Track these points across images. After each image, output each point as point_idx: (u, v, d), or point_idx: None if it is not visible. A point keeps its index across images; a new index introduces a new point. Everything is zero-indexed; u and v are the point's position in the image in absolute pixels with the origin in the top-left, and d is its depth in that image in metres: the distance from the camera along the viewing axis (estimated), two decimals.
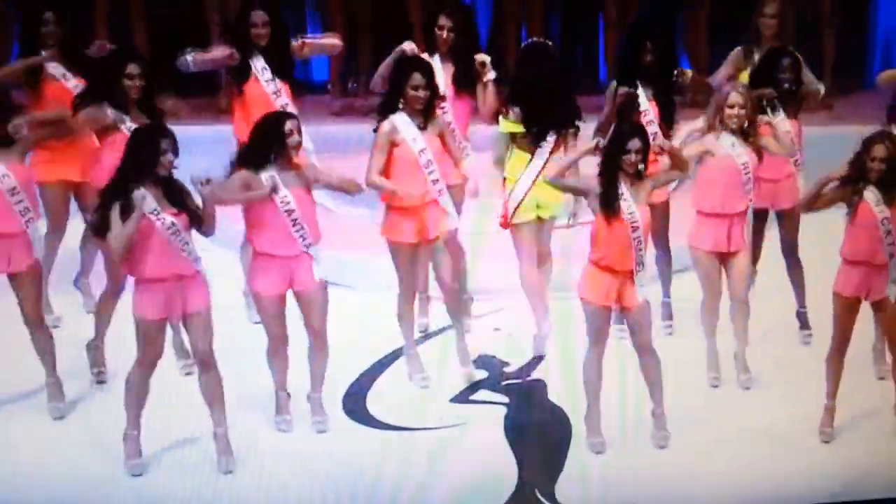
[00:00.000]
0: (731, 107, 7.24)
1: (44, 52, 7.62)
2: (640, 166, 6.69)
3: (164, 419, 6.87)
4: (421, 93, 7.08)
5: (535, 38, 8.59)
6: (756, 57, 7.96)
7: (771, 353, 7.82)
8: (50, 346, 7.15)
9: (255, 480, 6.70)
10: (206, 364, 6.70)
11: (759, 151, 7.35)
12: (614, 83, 7.79)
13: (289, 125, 6.74)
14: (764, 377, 7.61)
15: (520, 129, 7.49)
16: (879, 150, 6.69)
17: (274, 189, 6.69)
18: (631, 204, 6.74)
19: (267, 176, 6.70)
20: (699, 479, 6.75)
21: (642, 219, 6.78)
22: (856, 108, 9.38)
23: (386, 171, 7.20)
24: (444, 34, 7.67)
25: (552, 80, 7.54)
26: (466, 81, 7.66)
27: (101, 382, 7.33)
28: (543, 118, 7.41)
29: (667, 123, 7.65)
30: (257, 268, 6.95)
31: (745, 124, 7.27)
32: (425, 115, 7.16)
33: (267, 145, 6.71)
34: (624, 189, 6.72)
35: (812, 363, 7.22)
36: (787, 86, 7.66)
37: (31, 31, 7.73)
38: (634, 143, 6.64)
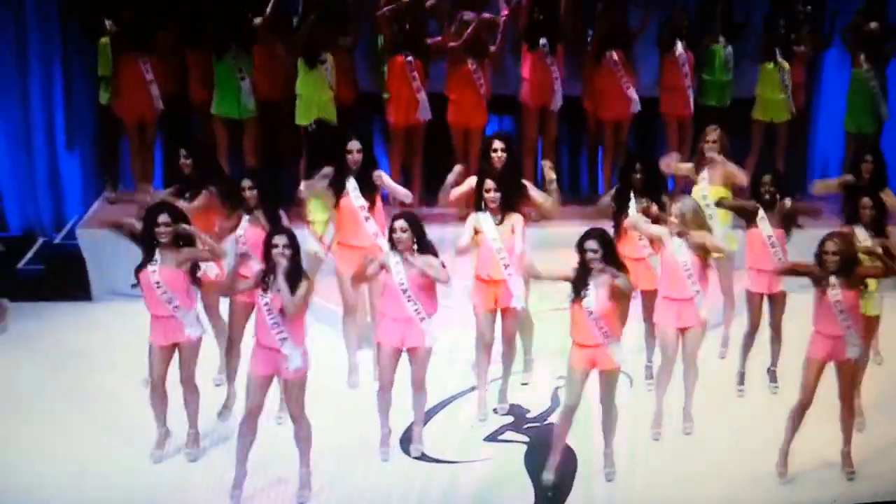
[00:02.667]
0: (676, 216, 7.61)
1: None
2: (599, 264, 7.01)
3: (256, 457, 7.22)
4: (493, 194, 7.81)
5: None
6: (704, 171, 8.63)
7: (746, 402, 8.36)
8: (196, 403, 7.59)
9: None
10: (296, 420, 7.11)
11: (703, 251, 7.61)
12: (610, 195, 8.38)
13: (395, 224, 7.33)
14: (743, 424, 8.06)
15: None
16: (830, 246, 7.11)
17: (384, 267, 7.34)
18: (591, 293, 7.06)
19: (388, 258, 7.36)
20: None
21: (599, 304, 7.05)
22: None
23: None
24: (498, 154, 8.24)
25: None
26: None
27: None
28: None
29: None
30: (380, 324, 7.55)
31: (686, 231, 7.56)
32: (501, 212, 7.85)
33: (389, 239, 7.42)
34: (590, 280, 7.08)
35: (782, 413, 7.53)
36: (767, 197, 8.13)
37: (173, 161, 8.45)
38: (590, 244, 7.05)
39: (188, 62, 10.58)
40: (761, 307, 8.36)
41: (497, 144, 8.25)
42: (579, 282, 7.12)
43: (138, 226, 7.46)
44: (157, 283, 7.27)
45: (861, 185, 8.41)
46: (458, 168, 8.48)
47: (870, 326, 7.94)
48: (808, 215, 8.40)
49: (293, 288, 6.88)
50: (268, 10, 10.14)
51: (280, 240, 6.91)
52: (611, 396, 7.33)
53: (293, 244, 6.95)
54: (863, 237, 7.79)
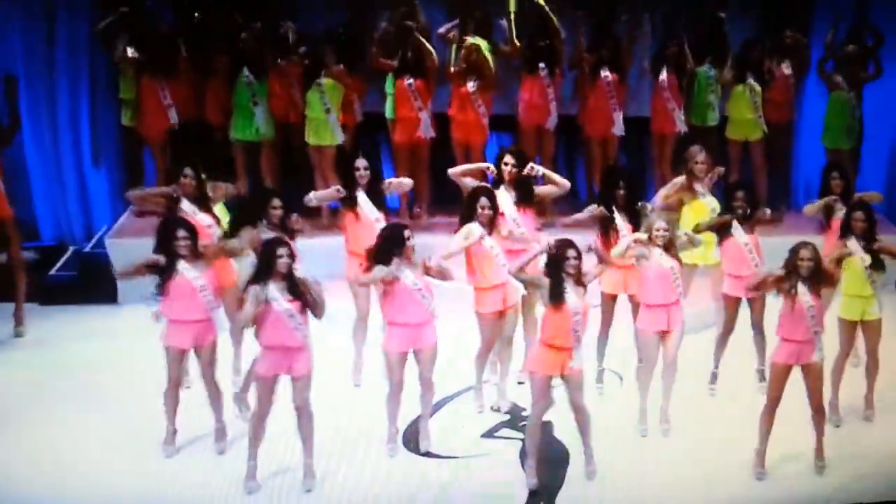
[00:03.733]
0: (658, 229, 7.88)
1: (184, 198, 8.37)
2: (582, 269, 7.30)
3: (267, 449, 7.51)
4: (487, 210, 8.07)
5: None
6: (695, 190, 8.86)
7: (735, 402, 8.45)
8: (219, 399, 7.75)
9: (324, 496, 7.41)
10: (302, 412, 7.35)
11: (678, 259, 7.96)
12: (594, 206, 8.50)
13: (406, 233, 7.57)
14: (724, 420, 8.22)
15: None
16: (806, 253, 7.36)
17: (400, 273, 7.45)
18: (573, 296, 7.28)
19: (396, 265, 7.46)
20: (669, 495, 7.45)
21: (581, 308, 7.30)
22: (784, 223, 10.26)
23: (469, 261, 8.02)
24: (509, 168, 8.52)
25: None
26: (527, 201, 8.51)
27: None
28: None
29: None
30: (390, 334, 7.68)
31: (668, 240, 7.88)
32: (490, 222, 8.09)
33: (392, 247, 7.52)
34: (568, 286, 7.32)
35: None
36: (739, 211, 8.45)
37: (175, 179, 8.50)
38: (572, 252, 7.30)
39: (206, 86, 10.88)
40: (737, 310, 8.54)
41: (508, 159, 8.55)
42: (557, 287, 7.30)
43: (159, 259, 7.57)
44: (202, 287, 7.48)
45: (834, 203, 8.77)
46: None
47: (871, 331, 8.11)
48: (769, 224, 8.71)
49: (296, 293, 7.19)
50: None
51: (284, 250, 7.22)
52: (580, 399, 7.47)
53: (293, 255, 7.30)
54: (855, 247, 8.02)
